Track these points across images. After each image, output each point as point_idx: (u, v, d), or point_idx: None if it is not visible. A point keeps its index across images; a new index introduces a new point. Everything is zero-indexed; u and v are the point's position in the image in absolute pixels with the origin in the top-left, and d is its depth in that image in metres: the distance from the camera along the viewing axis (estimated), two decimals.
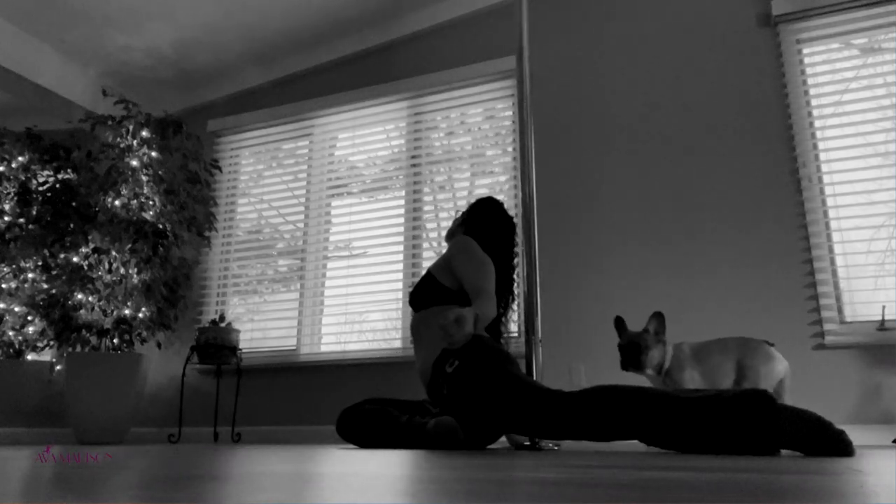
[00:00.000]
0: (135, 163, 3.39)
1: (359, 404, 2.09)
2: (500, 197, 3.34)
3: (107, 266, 3.28)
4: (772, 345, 1.88)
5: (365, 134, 3.79)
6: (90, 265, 3.26)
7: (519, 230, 2.30)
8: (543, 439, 1.77)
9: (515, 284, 2.28)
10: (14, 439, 3.46)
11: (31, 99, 3.75)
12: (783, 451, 1.43)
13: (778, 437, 1.32)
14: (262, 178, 4.00)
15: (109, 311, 3.24)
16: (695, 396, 1.44)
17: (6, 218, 3.52)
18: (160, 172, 3.45)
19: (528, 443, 1.85)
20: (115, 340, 3.27)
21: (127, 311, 3.25)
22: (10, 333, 3.47)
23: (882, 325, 2.45)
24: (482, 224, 2.23)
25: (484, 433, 1.91)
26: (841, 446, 1.25)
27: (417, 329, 2.11)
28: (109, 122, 3.41)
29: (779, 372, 1.85)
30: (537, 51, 3.35)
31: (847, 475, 0.73)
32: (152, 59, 3.84)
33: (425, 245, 3.47)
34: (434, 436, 1.80)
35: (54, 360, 3.56)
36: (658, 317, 1.84)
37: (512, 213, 3.24)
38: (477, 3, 3.56)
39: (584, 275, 2.99)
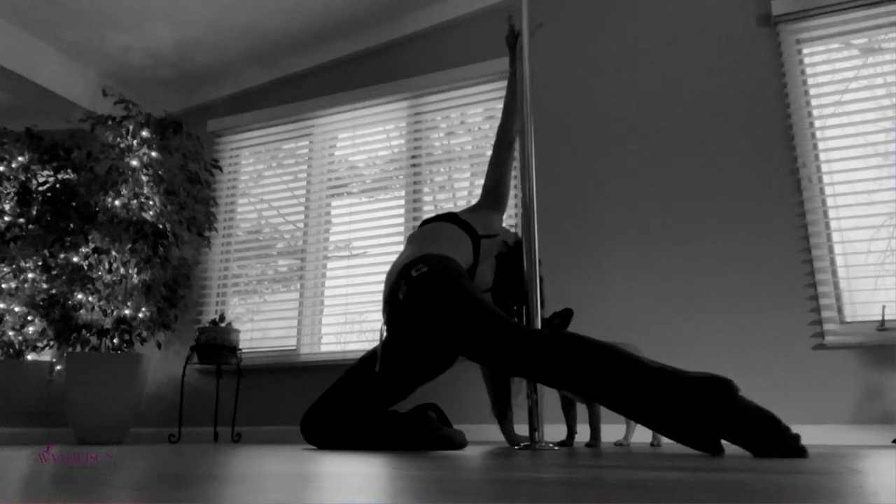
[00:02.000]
0: (135, 163, 3.39)
1: (324, 404, 1.94)
2: None
3: (107, 266, 3.28)
4: None
5: (365, 134, 3.79)
6: (90, 265, 3.26)
7: (519, 230, 2.28)
8: (496, 371, 1.75)
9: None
10: (14, 439, 3.46)
11: (31, 99, 3.75)
12: (727, 447, 1.42)
13: (731, 428, 1.27)
14: (262, 178, 4.00)
15: (109, 311, 3.24)
16: (659, 367, 1.38)
17: (6, 218, 3.52)
18: (160, 172, 3.45)
19: (527, 443, 1.85)
20: (115, 340, 3.27)
21: (127, 311, 3.25)
22: (10, 333, 3.47)
23: (882, 325, 2.45)
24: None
25: (433, 354, 1.87)
26: (794, 452, 1.21)
27: (433, 231, 2.04)
28: (109, 122, 3.41)
29: None
30: (537, 51, 3.35)
31: (847, 475, 0.73)
32: (152, 59, 3.84)
33: None
34: (436, 440, 1.80)
35: (54, 360, 3.56)
36: (567, 312, 1.94)
37: (512, 212, 3.25)
38: (477, 3, 3.56)
39: (584, 274, 2.99)
